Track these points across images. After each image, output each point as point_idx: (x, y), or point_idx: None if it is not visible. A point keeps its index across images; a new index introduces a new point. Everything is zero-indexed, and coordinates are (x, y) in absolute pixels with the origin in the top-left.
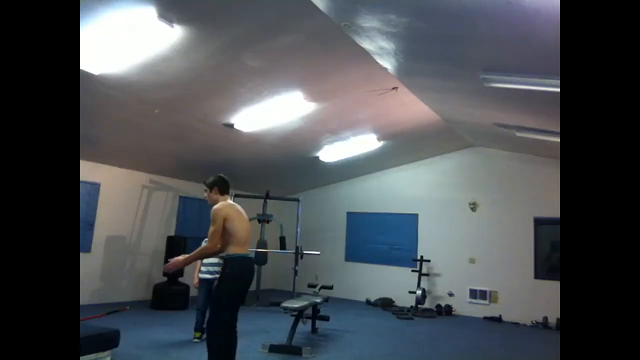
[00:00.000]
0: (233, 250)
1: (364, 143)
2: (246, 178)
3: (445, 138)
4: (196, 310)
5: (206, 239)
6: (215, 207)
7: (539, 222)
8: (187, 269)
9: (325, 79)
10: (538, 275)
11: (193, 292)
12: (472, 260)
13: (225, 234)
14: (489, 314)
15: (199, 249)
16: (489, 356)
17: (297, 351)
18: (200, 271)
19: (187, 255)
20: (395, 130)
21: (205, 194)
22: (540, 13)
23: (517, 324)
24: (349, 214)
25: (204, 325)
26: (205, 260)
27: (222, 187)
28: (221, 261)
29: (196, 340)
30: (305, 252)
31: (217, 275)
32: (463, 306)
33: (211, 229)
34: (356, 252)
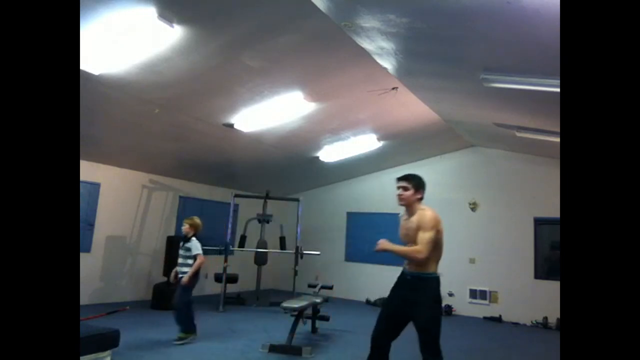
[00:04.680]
0: (434, 268)
1: (364, 143)
2: (246, 178)
3: (445, 138)
4: (177, 311)
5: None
6: (430, 214)
7: (539, 222)
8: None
9: (325, 79)
10: (538, 275)
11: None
12: (472, 260)
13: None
14: (489, 314)
15: (410, 248)
16: (489, 356)
17: (297, 351)
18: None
19: (394, 246)
20: (395, 130)
21: (400, 190)
22: (540, 13)
23: (517, 324)
24: (349, 214)
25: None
26: (180, 260)
27: (424, 193)
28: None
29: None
30: (305, 252)
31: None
32: (463, 306)
33: (426, 235)
34: (356, 252)
